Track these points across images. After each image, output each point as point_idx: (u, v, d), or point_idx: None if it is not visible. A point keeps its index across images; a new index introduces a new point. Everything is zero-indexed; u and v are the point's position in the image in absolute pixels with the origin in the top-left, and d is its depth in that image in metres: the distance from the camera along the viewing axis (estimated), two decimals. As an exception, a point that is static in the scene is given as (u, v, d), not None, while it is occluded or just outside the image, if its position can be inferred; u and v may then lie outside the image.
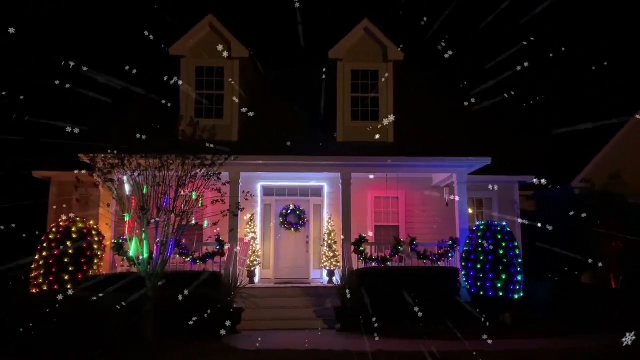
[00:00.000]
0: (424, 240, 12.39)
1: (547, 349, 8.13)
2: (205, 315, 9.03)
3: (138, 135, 8.87)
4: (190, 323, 8.83)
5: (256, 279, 13.45)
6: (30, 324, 7.35)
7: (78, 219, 11.12)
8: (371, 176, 13.40)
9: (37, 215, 14.31)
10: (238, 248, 12.17)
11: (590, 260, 12.55)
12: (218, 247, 11.39)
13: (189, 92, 13.06)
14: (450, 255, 11.95)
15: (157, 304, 8.73)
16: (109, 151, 9.06)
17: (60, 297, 8.21)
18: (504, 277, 10.41)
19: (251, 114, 11.92)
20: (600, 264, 12.34)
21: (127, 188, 9.38)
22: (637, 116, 15.84)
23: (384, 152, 12.61)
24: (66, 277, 10.45)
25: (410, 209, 14.40)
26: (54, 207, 13.77)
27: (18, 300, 8.32)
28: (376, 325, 9.32)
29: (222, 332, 9.48)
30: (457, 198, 12.62)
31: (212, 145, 9.25)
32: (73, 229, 10.80)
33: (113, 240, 11.49)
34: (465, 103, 11.32)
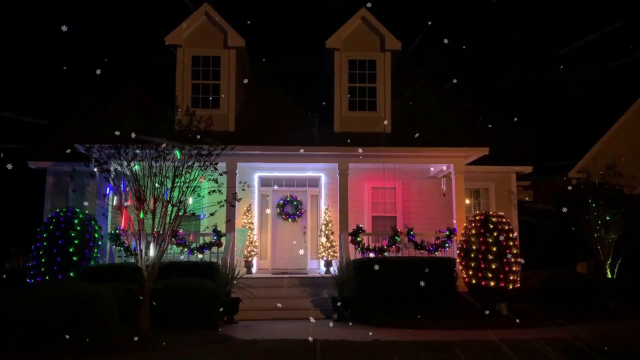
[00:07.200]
0: (421, 230, 12.37)
1: (542, 339, 8.16)
2: (202, 306, 9.04)
3: (134, 125, 8.82)
4: (187, 313, 8.85)
5: (253, 269, 13.46)
6: (24, 314, 7.30)
7: (78, 210, 11.08)
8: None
9: (32, 206, 14.25)
10: (235, 238, 12.16)
11: (586, 250, 12.64)
12: (215, 238, 11.37)
13: (185, 82, 12.96)
14: (447, 245, 11.98)
15: (153, 294, 8.73)
16: (106, 141, 9.00)
17: (55, 287, 8.20)
18: (500, 267, 10.43)
19: (248, 103, 11.85)
20: (596, 254, 12.42)
21: (124, 178, 9.34)
22: (632, 108, 15.87)
23: (382, 143, 12.58)
24: (63, 268, 10.42)
25: (407, 199, 14.41)
26: (50, 197, 13.72)
27: (13, 290, 8.27)
28: (373, 315, 9.35)
29: (219, 322, 9.52)
30: (454, 188, 12.64)
31: (208, 136, 9.20)
32: (75, 221, 10.74)
33: (110, 231, 11.46)
34: (464, 93, 11.28)
